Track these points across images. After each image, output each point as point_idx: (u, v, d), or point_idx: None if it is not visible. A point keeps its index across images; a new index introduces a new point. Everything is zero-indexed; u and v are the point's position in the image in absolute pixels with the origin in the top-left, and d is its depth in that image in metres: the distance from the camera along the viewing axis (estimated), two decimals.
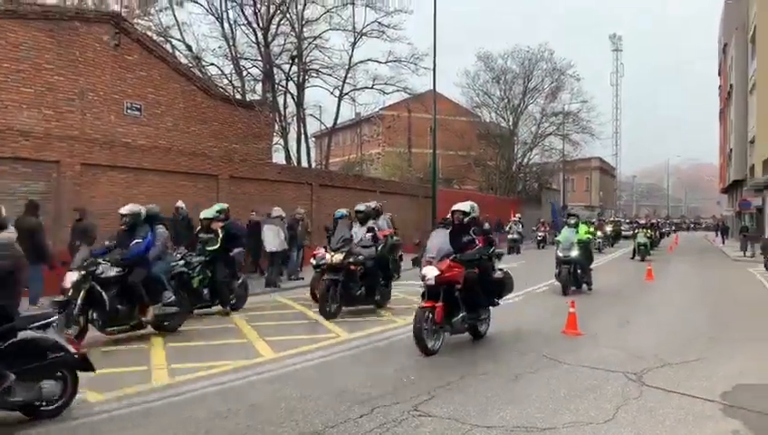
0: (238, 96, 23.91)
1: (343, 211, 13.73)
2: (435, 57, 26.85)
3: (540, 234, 34.97)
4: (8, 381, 5.02)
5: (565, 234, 15.33)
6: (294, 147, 27.77)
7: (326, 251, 11.47)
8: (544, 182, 53.02)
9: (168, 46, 22.78)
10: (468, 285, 8.36)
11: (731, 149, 49.68)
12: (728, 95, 51.96)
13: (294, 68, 26.84)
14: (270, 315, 11.46)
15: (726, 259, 29.94)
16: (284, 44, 26.75)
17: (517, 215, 33.05)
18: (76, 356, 5.72)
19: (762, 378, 7.04)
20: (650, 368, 7.32)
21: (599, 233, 31.78)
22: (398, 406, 5.80)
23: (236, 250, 11.92)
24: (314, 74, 27.70)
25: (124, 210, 9.46)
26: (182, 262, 10.73)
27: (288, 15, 26.11)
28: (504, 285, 9.38)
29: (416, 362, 7.60)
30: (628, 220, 51.86)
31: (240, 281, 12.06)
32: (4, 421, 5.32)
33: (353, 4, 27.19)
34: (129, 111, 17.14)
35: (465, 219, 8.89)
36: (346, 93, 28.68)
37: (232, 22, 25.69)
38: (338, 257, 11.03)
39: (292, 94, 27.47)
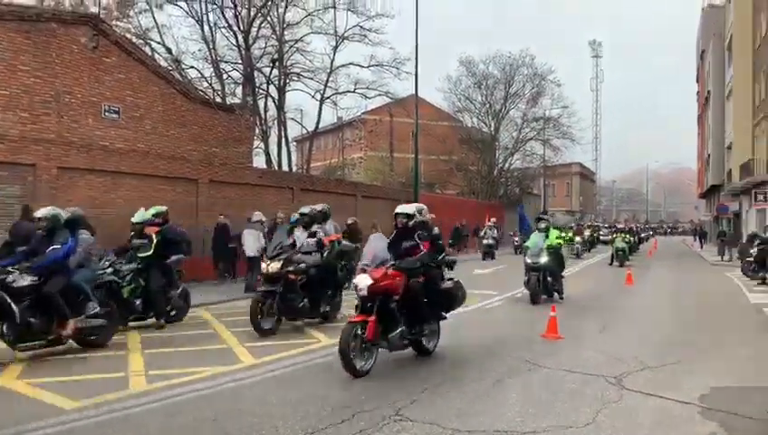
0: (218, 99, 23.78)
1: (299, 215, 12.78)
2: (417, 62, 26.95)
3: (516, 239, 35.02)
4: None
5: (534, 239, 14.53)
6: (275, 151, 27.70)
7: (262, 260, 10.45)
8: (525, 187, 53.37)
9: (147, 49, 22.65)
10: (410, 295, 7.63)
11: (709, 155, 50.46)
12: (706, 101, 52.82)
13: (275, 71, 26.76)
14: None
15: (704, 263, 30.34)
16: (265, 47, 26.70)
17: (492, 219, 32.30)
18: None
19: (738, 381, 7.11)
20: (630, 371, 7.36)
21: (577, 238, 31.75)
22: (379, 411, 5.76)
23: (174, 257, 10.94)
24: (295, 78, 27.67)
25: (40, 213, 8.57)
26: (110, 270, 9.74)
27: (269, 18, 26.07)
28: (453, 297, 8.41)
29: (395, 369, 7.57)
30: (607, 225, 51.90)
31: (179, 290, 11.20)
32: None
33: (335, 7, 27.26)
34: (107, 113, 16.96)
35: (410, 223, 8.12)
36: (328, 97, 28.66)
37: (212, 24, 25.63)
38: (274, 266, 9.88)
39: (272, 98, 27.40)
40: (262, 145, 26.93)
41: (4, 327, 7.70)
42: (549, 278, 13.91)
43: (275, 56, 26.40)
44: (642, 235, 51.97)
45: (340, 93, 29.40)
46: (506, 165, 49.53)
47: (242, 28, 25.36)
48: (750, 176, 31.86)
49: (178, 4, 25.11)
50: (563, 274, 14.92)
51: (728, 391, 6.58)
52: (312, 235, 11.03)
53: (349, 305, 10.47)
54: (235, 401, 6.13)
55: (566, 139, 49.00)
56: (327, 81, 28.18)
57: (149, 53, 21.86)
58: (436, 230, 8.30)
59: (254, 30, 25.73)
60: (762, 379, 7.18)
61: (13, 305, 7.68)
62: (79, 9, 21.67)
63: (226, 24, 25.59)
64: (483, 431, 5.27)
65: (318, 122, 29.36)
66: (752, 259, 20.31)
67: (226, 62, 26.42)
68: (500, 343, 9.21)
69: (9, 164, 13.35)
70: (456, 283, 8.52)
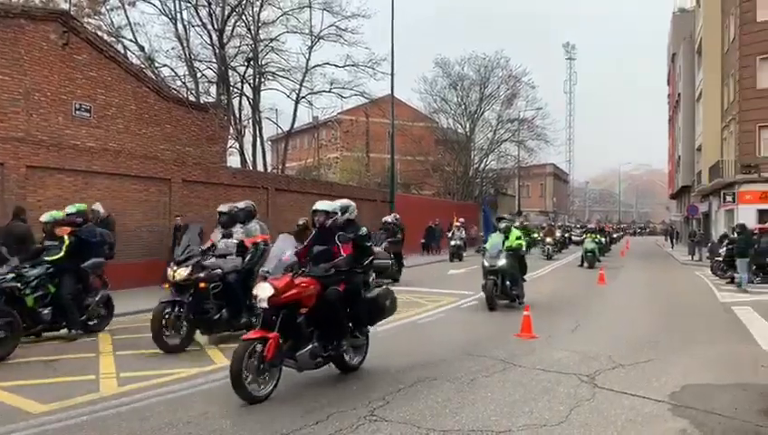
0: (192, 98, 23.57)
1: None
2: (392, 62, 27.00)
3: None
4: None
5: (493, 240, 13.50)
6: (250, 150, 27.52)
7: (167, 265, 9.21)
8: (500, 188, 53.77)
9: (119, 46, 22.32)
10: (326, 306, 6.62)
11: (679, 157, 51.34)
12: (676, 104, 53.73)
13: (250, 70, 26.62)
14: None
15: (675, 263, 30.88)
16: (240, 46, 26.55)
17: (461, 219, 30.97)
18: None
19: (708, 378, 7.23)
20: (602, 370, 7.44)
21: (548, 239, 31.22)
22: (353, 412, 5.74)
23: (91, 261, 9.85)
24: (270, 77, 27.56)
25: None
26: (10, 276, 8.67)
27: (244, 17, 25.92)
28: (379, 307, 7.35)
29: (369, 369, 7.54)
30: (579, 225, 52.22)
31: (98, 297, 9.98)
32: None
33: (310, 7, 27.19)
34: (77, 112, 16.68)
35: (328, 222, 7.06)
36: (303, 97, 28.57)
37: (186, 23, 25.39)
38: (182, 273, 8.58)
39: (247, 97, 27.25)
40: (236, 145, 26.75)
41: None
42: (507, 282, 12.95)
43: (250, 55, 26.25)
44: (615, 235, 52.59)
45: (316, 93, 29.35)
46: (482, 166, 49.83)
47: (216, 26, 25.15)
48: (719, 177, 32.49)
49: (151, 1, 24.84)
50: (526, 277, 13.94)
51: (699, 389, 6.69)
52: (226, 235, 9.66)
53: None
54: (207, 404, 6.06)
55: (540, 140, 49.56)
56: (302, 80, 28.12)
57: (122, 51, 21.55)
58: (363, 230, 7.36)
59: (228, 28, 25.57)
60: (731, 377, 7.30)
61: None
62: (48, 5, 21.30)
63: (200, 23, 25.39)
64: (458, 431, 5.28)
65: (293, 122, 29.28)
66: (721, 259, 20.76)
67: (200, 60, 26.22)
68: (475, 343, 9.24)
69: None
70: (384, 290, 7.53)
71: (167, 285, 8.95)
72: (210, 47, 25.66)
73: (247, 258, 9.50)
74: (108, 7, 24.37)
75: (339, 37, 27.98)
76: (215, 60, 25.69)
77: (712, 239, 31.70)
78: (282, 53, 27.36)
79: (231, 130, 25.39)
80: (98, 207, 13.29)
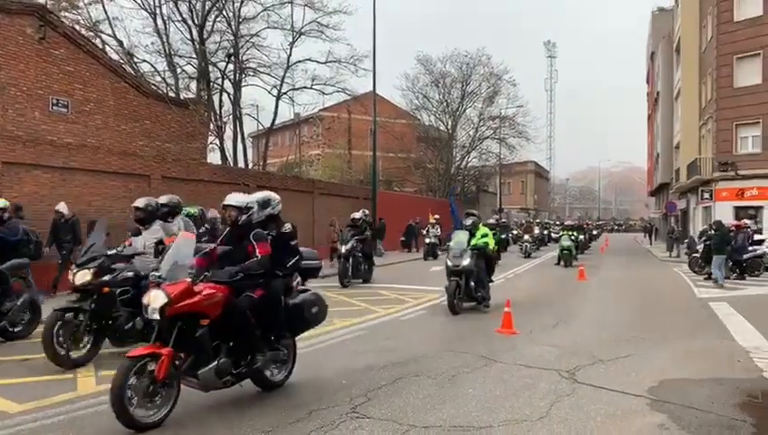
0: (172, 94, 23.31)
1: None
2: (374, 59, 26.93)
3: None
4: None
5: (457, 237, 12.51)
6: (231, 147, 27.33)
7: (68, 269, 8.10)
8: (482, 185, 54.01)
9: (97, 41, 21.99)
10: (235, 316, 5.75)
11: (658, 154, 51.90)
12: (655, 102, 54.30)
13: (231, 66, 26.42)
14: None
15: (654, 259, 31.25)
16: (220, 42, 26.33)
17: (436, 216, 30.30)
18: None
19: (685, 373, 7.33)
20: (582, 365, 7.51)
21: (526, 236, 30.60)
22: (335, 409, 5.73)
23: (10, 262, 9.12)
24: (251, 73, 27.38)
25: None
26: None
27: (224, 12, 25.72)
28: (305, 316, 6.52)
29: (350, 366, 7.53)
30: (558, 222, 52.24)
31: (21, 301, 9.06)
32: None
33: (292, 2, 27.07)
34: (55, 107, 16.45)
35: (242, 218, 6.14)
36: (284, 93, 28.44)
37: (165, 18, 25.09)
38: (83, 276, 7.53)
39: (228, 93, 27.06)
40: (217, 141, 26.54)
41: None
42: (472, 283, 12.06)
43: (231, 51, 26.04)
44: (594, 232, 52.99)
45: (297, 89, 29.21)
46: (463, 163, 50.04)
47: (196, 22, 24.92)
48: (696, 175, 32.90)
49: None
50: (493, 278, 13.21)
51: (677, 384, 6.77)
52: (137, 233, 8.61)
53: None
54: (188, 402, 5.98)
55: (521, 137, 49.88)
56: (284, 76, 27.97)
57: (100, 46, 21.26)
58: (287, 227, 6.56)
59: (208, 24, 25.34)
60: (708, 371, 7.40)
61: None
62: None
63: (180, 18, 25.13)
64: (439, 427, 5.30)
65: (274, 118, 29.12)
66: (698, 255, 21.05)
67: (180, 56, 25.97)
68: (456, 339, 9.28)
69: None
70: (312, 296, 6.71)
71: (68, 291, 7.97)
72: (190, 42, 25.43)
73: None
74: (86, 1, 24.01)
75: (320, 33, 27.89)
76: (195, 55, 25.46)
77: (690, 235, 32.16)
78: (263, 49, 27.21)
79: (211, 127, 25.20)
80: (62, 207, 12.97)
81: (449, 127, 47.80)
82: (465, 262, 11.91)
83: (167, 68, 25.45)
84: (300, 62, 28.61)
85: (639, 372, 7.23)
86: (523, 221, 42.91)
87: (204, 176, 19.61)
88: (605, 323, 10.98)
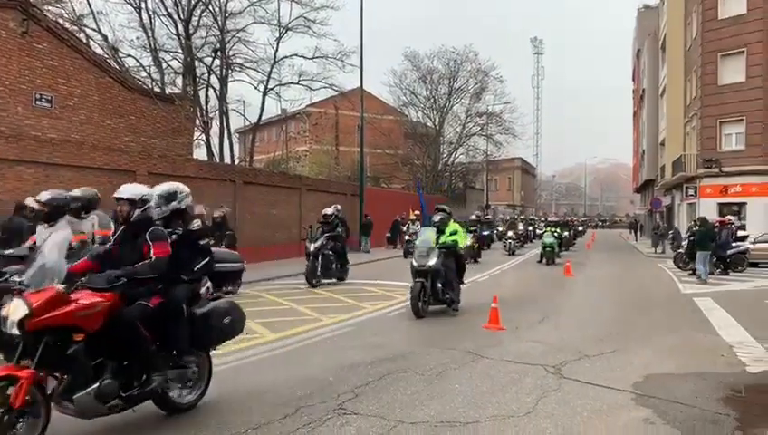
0: (157, 89, 23.12)
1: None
2: (362, 54, 26.92)
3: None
4: None
5: (424, 235, 11.62)
6: (217, 143, 27.20)
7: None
8: (469, 181, 54.16)
9: (81, 36, 21.75)
10: (122, 329, 4.85)
11: (643, 151, 52.32)
12: (641, 99, 54.70)
13: (217, 61, 26.27)
14: None
15: (640, 255, 31.51)
16: (207, 37, 26.20)
17: (416, 212, 29.00)
18: None
19: (670, 368, 7.39)
20: (568, 361, 7.55)
21: (509, 233, 29.54)
22: (323, 405, 5.72)
23: None
24: (238, 68, 27.26)
25: None
26: None
27: (210, 7, 25.57)
28: (213, 327, 5.63)
29: (337, 362, 7.53)
30: (543, 219, 52.00)
31: None
32: None
33: None
34: (38, 102, 16.27)
35: (134, 213, 5.24)
36: (271, 88, 28.36)
37: (151, 12, 24.92)
38: None
39: (214, 88, 26.94)
40: (203, 137, 26.42)
41: None
42: (439, 285, 11.06)
43: (217, 46, 25.91)
44: (580, 228, 53.19)
45: (284, 85, 29.17)
46: (450, 159, 50.16)
47: (182, 16, 24.76)
48: (681, 171, 33.18)
49: None
50: (464, 280, 12.27)
51: (662, 379, 6.83)
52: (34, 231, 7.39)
53: None
54: None
55: (508, 134, 50.15)
56: (270, 72, 27.89)
57: (84, 41, 21.03)
58: (195, 225, 5.73)
59: (194, 19, 25.18)
60: (692, 366, 7.47)
61: None
62: None
63: (166, 12, 24.98)
64: (426, 422, 5.30)
65: (261, 114, 29.03)
66: (683, 251, 21.26)
67: (166, 51, 25.82)
68: (443, 335, 9.29)
69: None
70: (225, 304, 5.88)
71: None
72: (176, 37, 25.30)
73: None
74: None
75: (307, 29, 27.85)
76: (181, 50, 25.32)
77: (675, 226, 32.46)
78: (249, 44, 27.12)
79: (197, 122, 25.07)
80: (31, 202, 12.58)
81: (437, 123, 47.90)
82: (432, 262, 10.97)
83: (152, 63, 25.31)
84: (287, 57, 28.60)
85: (625, 368, 7.28)
86: (507, 217, 42.62)
87: (190, 172, 19.48)
88: (591, 319, 11.04)
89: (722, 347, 8.58)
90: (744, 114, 29.13)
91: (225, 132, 27.67)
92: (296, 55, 28.54)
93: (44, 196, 7.51)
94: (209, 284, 5.88)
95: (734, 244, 20.46)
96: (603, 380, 6.68)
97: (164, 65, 25.50)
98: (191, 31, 24.94)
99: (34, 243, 7.07)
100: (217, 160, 26.01)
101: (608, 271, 21.75)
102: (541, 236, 27.37)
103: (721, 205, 29.40)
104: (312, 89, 29.62)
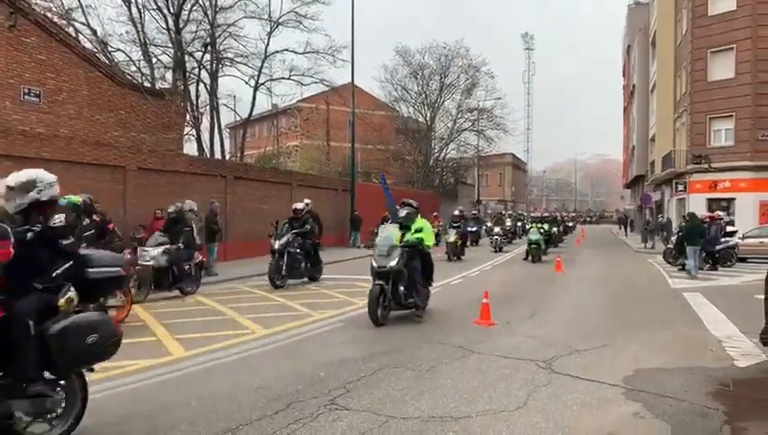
0: (147, 84, 22.98)
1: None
2: (353, 50, 26.88)
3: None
4: None
5: (386, 232, 10.32)
6: (207, 138, 27.07)
7: None
8: (460, 177, 54.23)
9: (70, 30, 21.57)
10: None
11: (633, 146, 52.55)
12: (631, 95, 54.90)
13: (207, 56, 26.12)
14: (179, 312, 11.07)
15: (629, 250, 31.66)
16: (197, 31, 26.05)
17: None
18: None
19: (659, 362, 7.43)
20: (559, 355, 7.58)
21: (496, 229, 28.36)
22: (314, 400, 5.71)
23: None
24: (228, 63, 27.15)
25: None
26: None
27: (200, 1, 25.41)
28: (69, 348, 4.39)
29: (328, 358, 7.53)
30: (533, 214, 51.23)
31: None
32: None
33: None
34: (26, 96, 16.15)
35: None
36: (262, 83, 28.28)
37: (140, 6, 24.73)
38: None
39: (204, 83, 26.79)
40: (193, 132, 26.26)
41: None
42: (401, 288, 9.91)
43: (207, 40, 25.76)
44: (570, 223, 53.22)
45: (275, 80, 29.10)
46: (442, 155, 50.20)
47: (172, 11, 24.59)
48: (671, 167, 33.37)
49: None
50: (432, 282, 11.14)
51: (651, 373, 6.87)
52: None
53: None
54: (166, 395, 5.96)
55: (499, 130, 50.24)
56: (261, 67, 27.79)
57: (73, 35, 20.86)
58: (56, 220, 4.64)
59: (184, 13, 25.02)
60: (681, 360, 7.53)
61: None
62: None
63: (156, 6, 24.80)
64: (417, 417, 5.31)
65: (252, 109, 28.93)
66: (672, 247, 21.39)
67: (156, 45, 25.62)
68: (435, 330, 9.31)
69: None
70: (91, 318, 4.70)
71: None
72: (166, 32, 25.12)
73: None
74: None
75: (298, 23, 27.75)
76: (171, 45, 25.14)
77: (668, 217, 32.60)
78: (240, 39, 26.99)
79: (188, 117, 24.93)
80: None
81: (428, 119, 47.91)
82: (393, 262, 9.77)
83: (142, 57, 25.11)
84: (278, 52, 28.49)
85: (615, 362, 7.33)
86: (495, 213, 42.28)
87: (180, 167, 19.40)
88: (581, 314, 11.09)
89: (711, 342, 8.65)
90: (734, 110, 29.34)
91: (216, 127, 27.56)
92: (287, 50, 28.50)
93: None
94: (72, 293, 4.70)
95: (722, 239, 20.60)
96: (593, 374, 6.71)
97: (154, 60, 25.35)
98: (181, 25, 24.78)
99: None
100: (208, 156, 25.90)
101: (597, 267, 21.83)
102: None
103: (710, 200, 29.61)
104: (303, 84, 29.57)
